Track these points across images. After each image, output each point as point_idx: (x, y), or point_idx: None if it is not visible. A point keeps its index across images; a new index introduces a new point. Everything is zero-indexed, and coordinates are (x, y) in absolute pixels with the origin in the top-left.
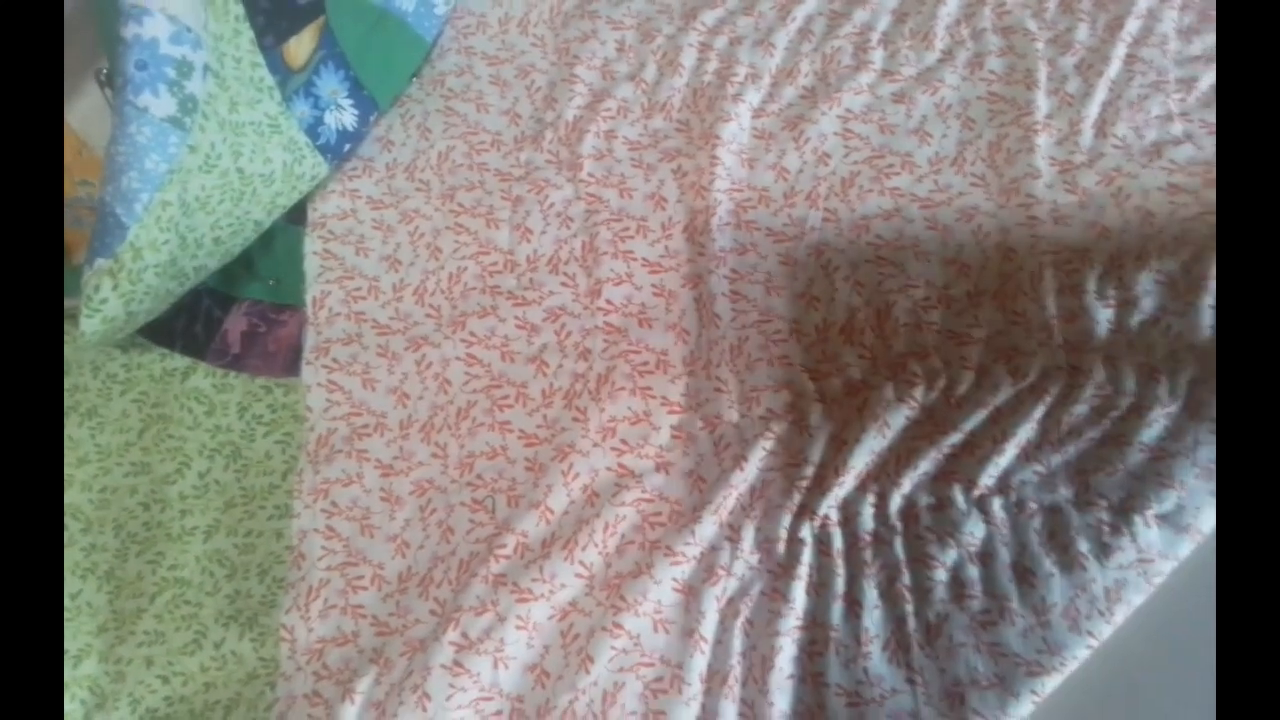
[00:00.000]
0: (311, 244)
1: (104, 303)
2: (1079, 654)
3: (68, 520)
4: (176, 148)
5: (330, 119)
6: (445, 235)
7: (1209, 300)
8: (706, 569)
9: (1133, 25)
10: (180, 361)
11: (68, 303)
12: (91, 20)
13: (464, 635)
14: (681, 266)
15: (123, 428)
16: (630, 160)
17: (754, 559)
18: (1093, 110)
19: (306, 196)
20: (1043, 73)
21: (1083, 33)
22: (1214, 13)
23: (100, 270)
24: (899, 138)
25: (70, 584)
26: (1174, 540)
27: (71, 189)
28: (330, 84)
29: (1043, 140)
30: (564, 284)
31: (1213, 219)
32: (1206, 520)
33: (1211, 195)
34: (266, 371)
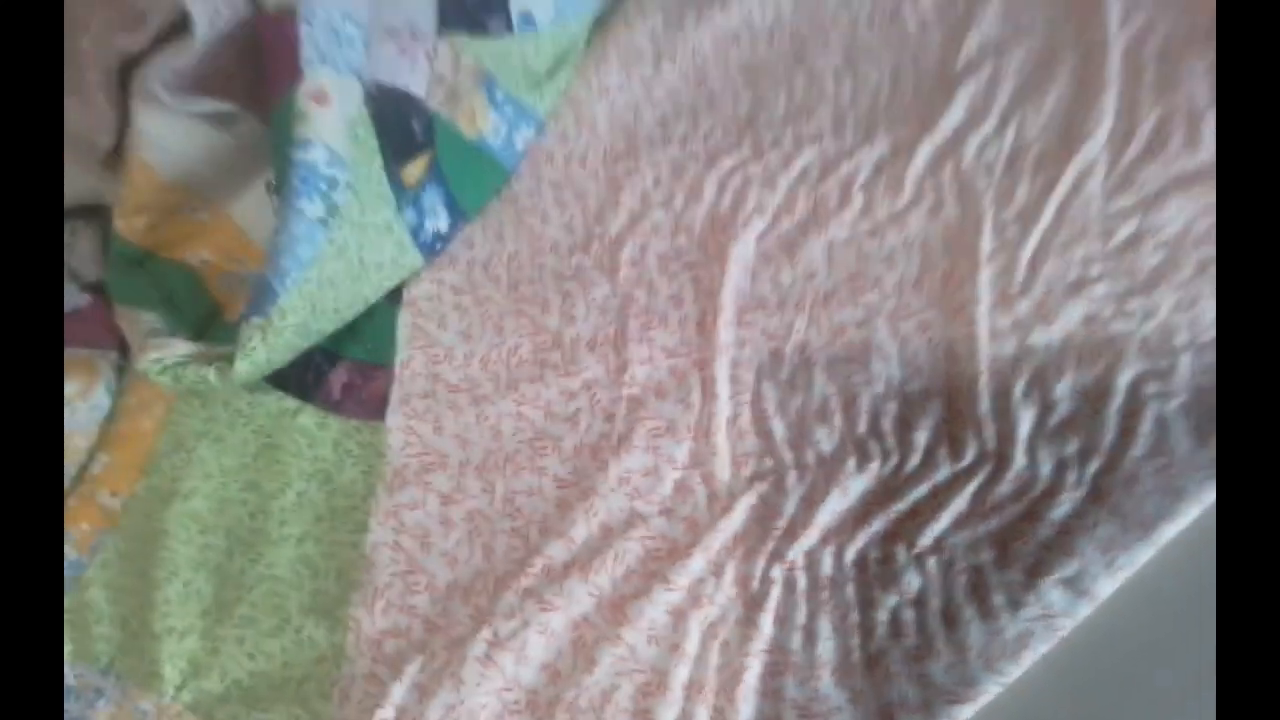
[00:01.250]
0: (404, 318)
1: (254, 350)
2: (990, 689)
3: (189, 522)
4: (321, 240)
5: (429, 225)
6: (508, 317)
7: (1114, 407)
8: (694, 597)
9: (1064, 186)
10: (292, 403)
11: (219, 349)
12: (266, 143)
13: (495, 635)
14: (692, 354)
15: (241, 452)
16: (658, 268)
17: (732, 592)
18: (1027, 252)
19: (404, 282)
20: (988, 220)
21: (1022, 190)
22: (1137, 178)
23: (255, 325)
24: (872, 264)
25: (184, 573)
26: (1074, 601)
27: (226, 265)
28: (432, 199)
29: (985, 273)
30: (598, 361)
31: (1122, 342)
32: (1101, 587)
33: (1121, 326)
34: (359, 416)
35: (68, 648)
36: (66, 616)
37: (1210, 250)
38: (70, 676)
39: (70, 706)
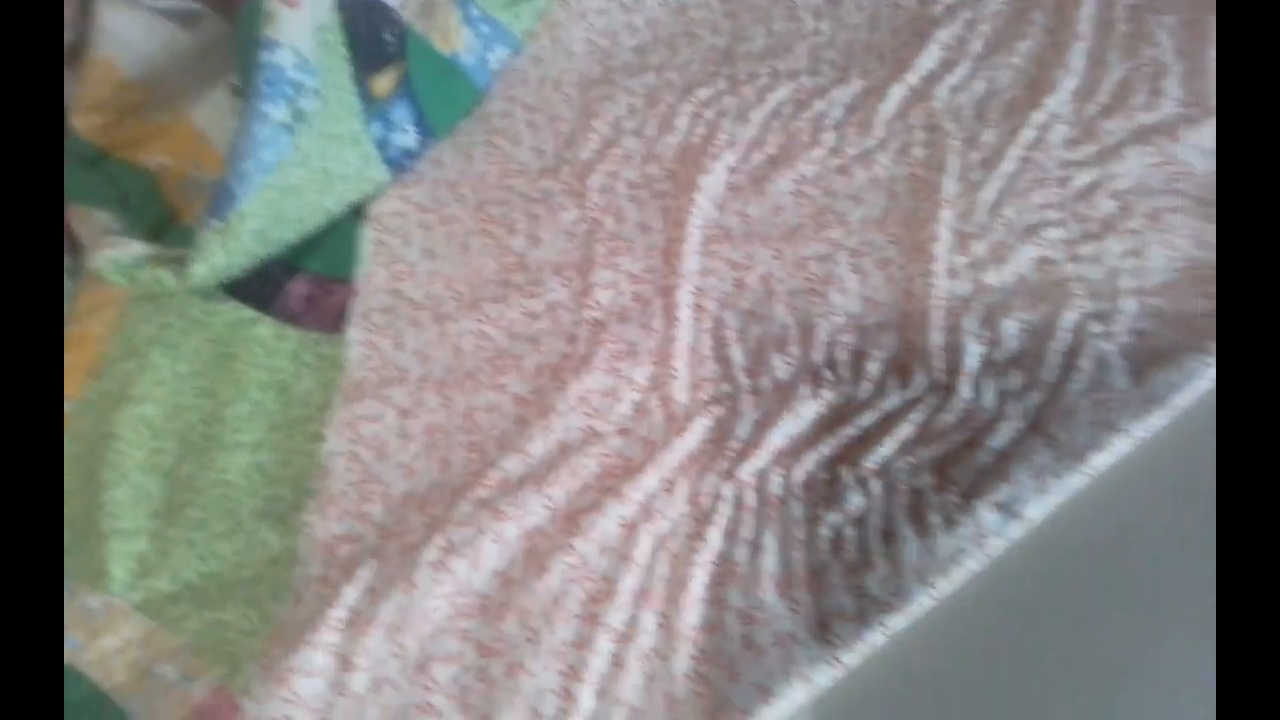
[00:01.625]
0: (367, 234)
1: (213, 254)
2: (922, 601)
3: (140, 426)
4: (285, 146)
5: (397, 139)
6: (474, 237)
7: (1057, 345)
8: (646, 511)
9: (1028, 134)
10: (249, 313)
11: (175, 251)
12: (229, 44)
13: (449, 541)
14: (657, 280)
15: (195, 360)
16: (627, 196)
17: (684, 508)
18: (988, 195)
19: (369, 196)
20: (954, 163)
21: (989, 136)
22: (1099, 130)
23: (214, 228)
24: (838, 200)
25: (134, 477)
26: (1005, 523)
27: (185, 169)
28: (401, 113)
29: (946, 214)
30: (562, 284)
31: (1071, 285)
32: (1033, 510)
33: (1070, 269)
34: (318, 328)
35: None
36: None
37: (1161, 201)
38: None
39: None
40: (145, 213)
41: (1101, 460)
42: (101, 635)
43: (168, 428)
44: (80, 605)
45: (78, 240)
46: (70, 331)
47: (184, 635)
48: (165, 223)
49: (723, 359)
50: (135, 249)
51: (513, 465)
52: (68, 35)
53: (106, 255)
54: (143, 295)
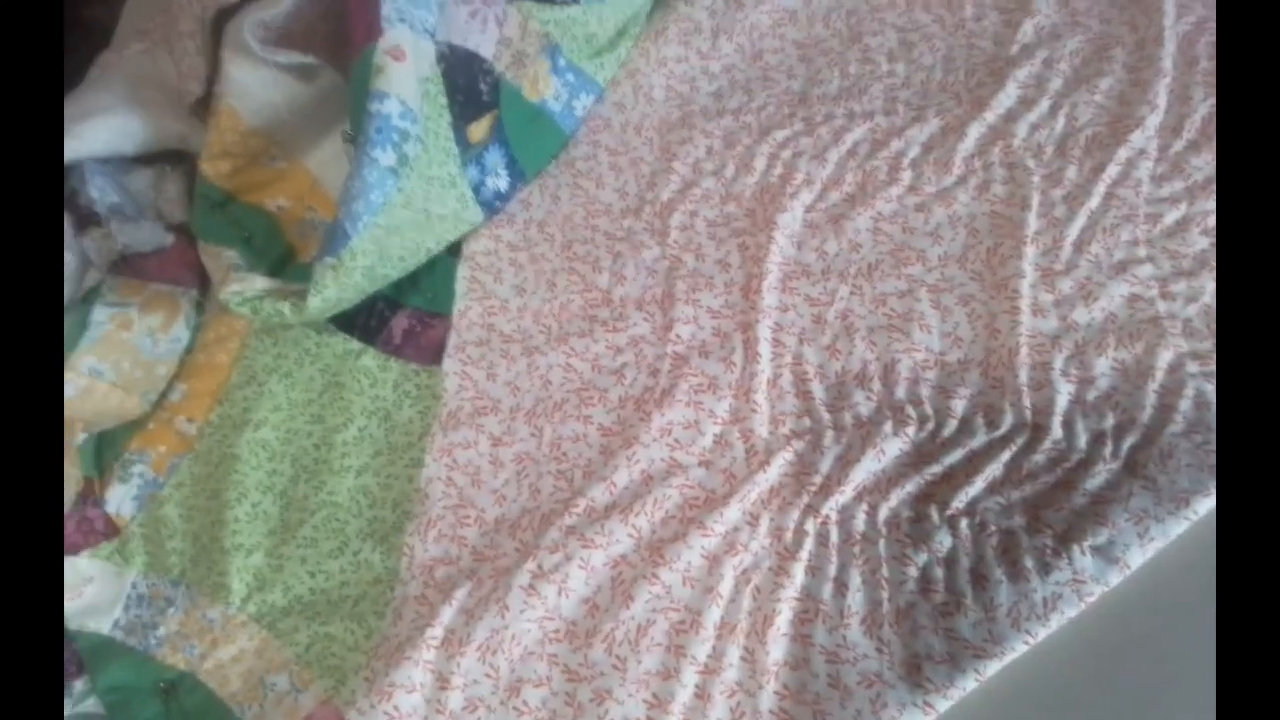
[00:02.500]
0: (463, 271)
1: (326, 288)
2: (1017, 647)
3: (258, 449)
4: (391, 188)
5: (490, 183)
6: (561, 274)
7: (1153, 386)
8: (729, 544)
9: (1113, 170)
10: (356, 345)
11: (294, 286)
12: (341, 95)
13: (539, 567)
14: (736, 316)
15: (308, 388)
16: (706, 234)
17: (766, 541)
18: (1073, 232)
19: (464, 236)
20: (1036, 199)
21: (1072, 172)
22: (1186, 166)
23: (328, 265)
24: (917, 238)
25: (252, 496)
26: (1104, 568)
27: (301, 212)
28: (494, 158)
29: (1030, 250)
30: (645, 319)
31: (1165, 323)
32: (1133, 556)
33: (1164, 307)
34: (417, 360)
35: (141, 559)
36: (142, 531)
37: None
38: (143, 586)
39: (142, 613)
40: (267, 251)
41: (1205, 505)
42: (219, 646)
43: (283, 451)
44: (201, 616)
45: (205, 279)
46: (199, 360)
47: (295, 647)
48: (285, 260)
49: (803, 394)
50: (258, 284)
51: (598, 494)
52: (199, 89)
53: (232, 289)
54: (262, 327)
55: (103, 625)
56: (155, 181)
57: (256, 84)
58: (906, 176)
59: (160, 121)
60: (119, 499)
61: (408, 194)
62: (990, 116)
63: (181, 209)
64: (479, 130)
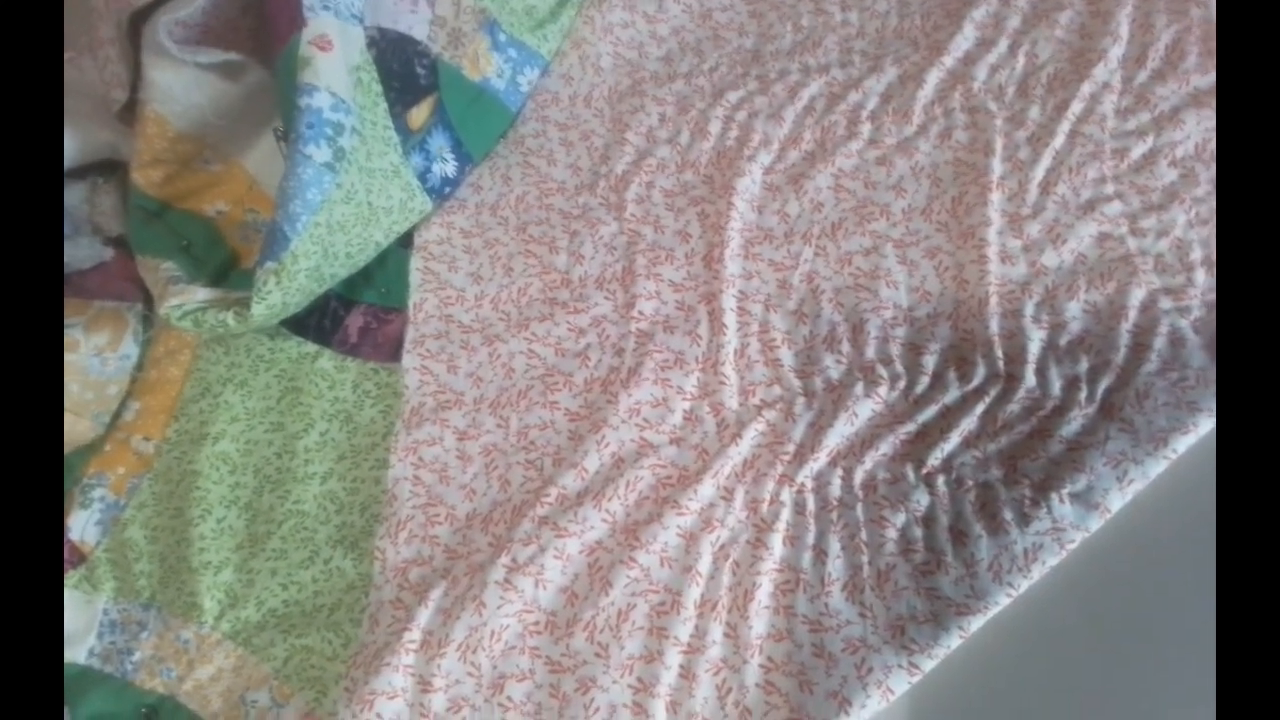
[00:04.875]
0: (415, 262)
1: (269, 294)
2: (999, 600)
3: (219, 463)
4: (329, 185)
5: (436, 168)
6: (517, 258)
7: (1126, 326)
8: (705, 521)
9: (1077, 106)
10: (311, 347)
11: (237, 294)
12: (272, 91)
13: (513, 560)
14: (699, 287)
15: (265, 395)
16: (664, 204)
17: (743, 515)
18: (1039, 173)
19: (414, 226)
20: (999, 144)
21: (1034, 112)
22: (1151, 97)
23: (269, 270)
24: (880, 192)
25: (217, 511)
26: (1084, 514)
27: (241, 215)
28: (439, 142)
29: (996, 196)
30: (606, 298)
31: (1136, 260)
32: (1112, 500)
33: (1134, 244)
34: (375, 358)
35: (110, 585)
36: (108, 556)
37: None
38: (114, 612)
39: (116, 639)
40: (209, 259)
41: (1184, 443)
42: (197, 666)
43: (244, 462)
44: (175, 638)
45: (149, 291)
46: (150, 376)
47: (272, 662)
48: (228, 267)
49: (772, 362)
50: (199, 295)
51: (570, 481)
52: (123, 94)
53: (172, 303)
54: (212, 337)
55: (78, 655)
56: (88, 195)
57: (179, 86)
58: (866, 130)
59: (88, 132)
60: (82, 525)
61: (347, 189)
62: (949, 61)
63: (118, 221)
64: (419, 116)
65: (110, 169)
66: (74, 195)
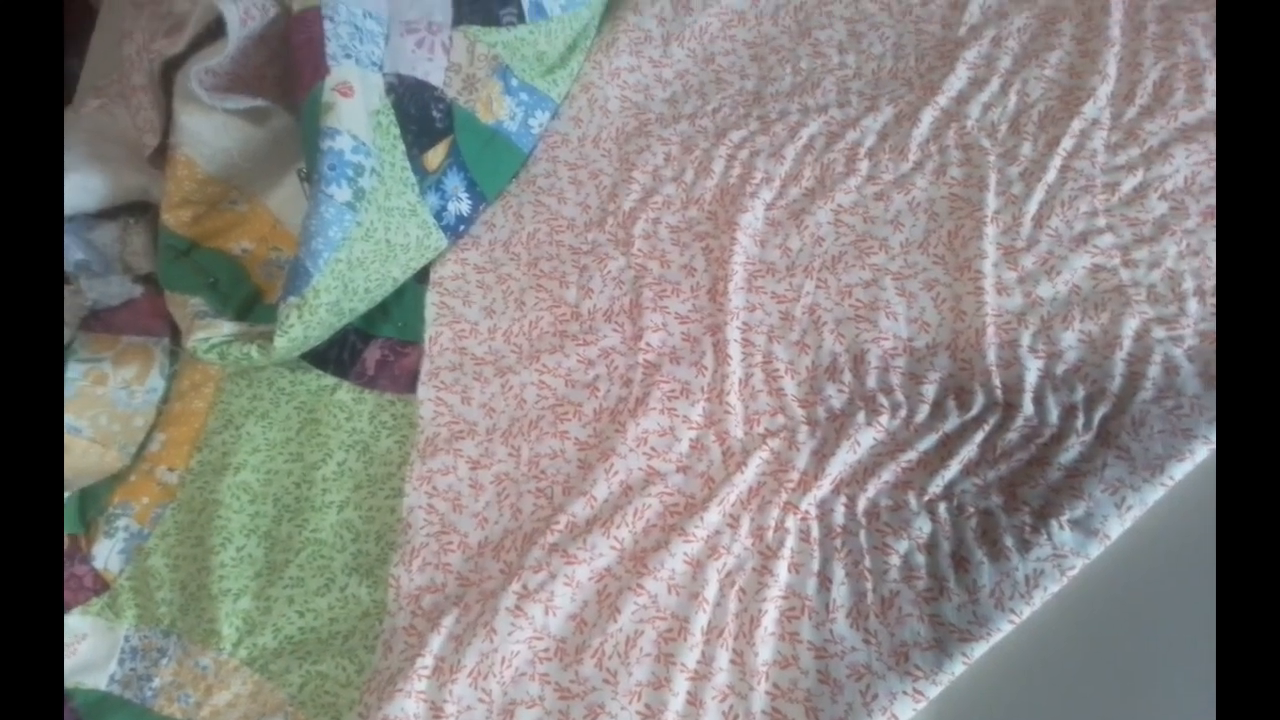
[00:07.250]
0: (431, 297)
1: (291, 328)
2: (1002, 627)
3: (239, 492)
4: (349, 223)
5: (451, 207)
6: (529, 293)
7: (1121, 355)
8: (711, 548)
9: (1068, 142)
10: (330, 380)
11: (260, 328)
12: (295, 135)
13: (524, 587)
14: (704, 319)
15: (285, 427)
16: (670, 240)
17: (748, 542)
18: (1032, 207)
19: (430, 262)
20: (993, 179)
21: (1026, 148)
22: (1141, 132)
23: (291, 305)
24: (878, 226)
25: (237, 540)
26: (1084, 541)
27: (265, 253)
28: (454, 182)
29: (991, 230)
30: (614, 330)
31: (1129, 290)
32: (1111, 526)
33: (1127, 275)
34: (392, 389)
35: (132, 612)
36: (131, 584)
37: (1215, 198)
38: (136, 639)
39: (137, 666)
40: (234, 294)
41: (1180, 470)
42: (215, 692)
43: (264, 492)
44: (194, 664)
45: (177, 327)
46: (175, 408)
47: (288, 689)
48: (253, 302)
49: (775, 392)
50: (225, 329)
51: (579, 509)
52: (155, 139)
53: (199, 337)
54: (235, 371)
55: (99, 681)
56: (120, 235)
57: (209, 131)
58: (864, 166)
59: (120, 175)
60: (106, 554)
61: (367, 227)
62: (943, 100)
63: (148, 259)
64: (435, 157)
65: (141, 210)
66: (106, 235)
